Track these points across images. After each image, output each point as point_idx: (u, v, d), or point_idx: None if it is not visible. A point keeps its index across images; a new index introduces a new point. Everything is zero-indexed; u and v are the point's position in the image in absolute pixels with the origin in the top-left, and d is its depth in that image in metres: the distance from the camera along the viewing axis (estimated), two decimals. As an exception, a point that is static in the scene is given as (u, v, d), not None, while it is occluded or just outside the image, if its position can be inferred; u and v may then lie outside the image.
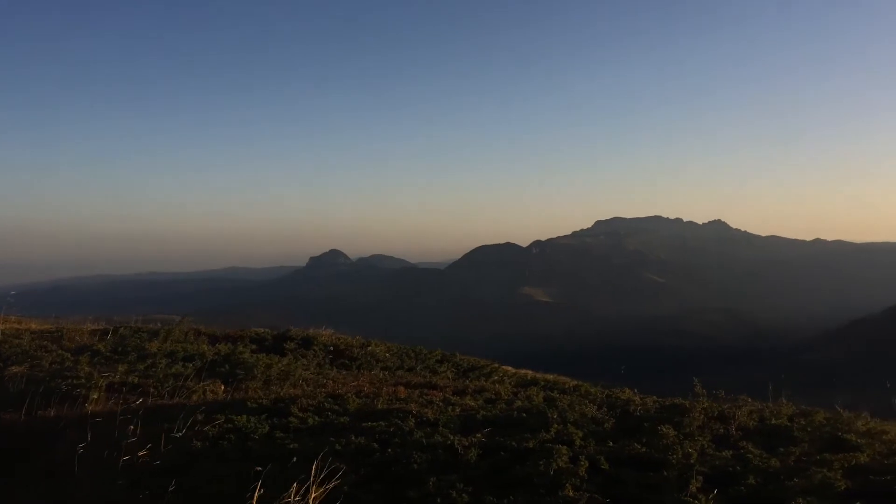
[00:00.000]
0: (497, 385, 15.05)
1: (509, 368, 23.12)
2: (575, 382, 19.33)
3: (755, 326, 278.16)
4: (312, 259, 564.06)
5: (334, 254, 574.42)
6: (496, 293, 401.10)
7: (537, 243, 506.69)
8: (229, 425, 8.89)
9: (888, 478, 7.78)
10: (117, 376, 12.47)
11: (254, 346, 18.69)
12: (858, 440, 9.24)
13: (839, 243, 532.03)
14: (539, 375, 21.31)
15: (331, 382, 13.77)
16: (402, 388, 12.58)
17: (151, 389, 12.00)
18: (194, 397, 11.65)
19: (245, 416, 9.15)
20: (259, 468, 6.67)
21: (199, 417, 9.23)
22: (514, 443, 8.32)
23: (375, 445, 8.15)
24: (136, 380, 12.52)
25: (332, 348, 19.81)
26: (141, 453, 7.49)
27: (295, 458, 7.24)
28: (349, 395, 11.12)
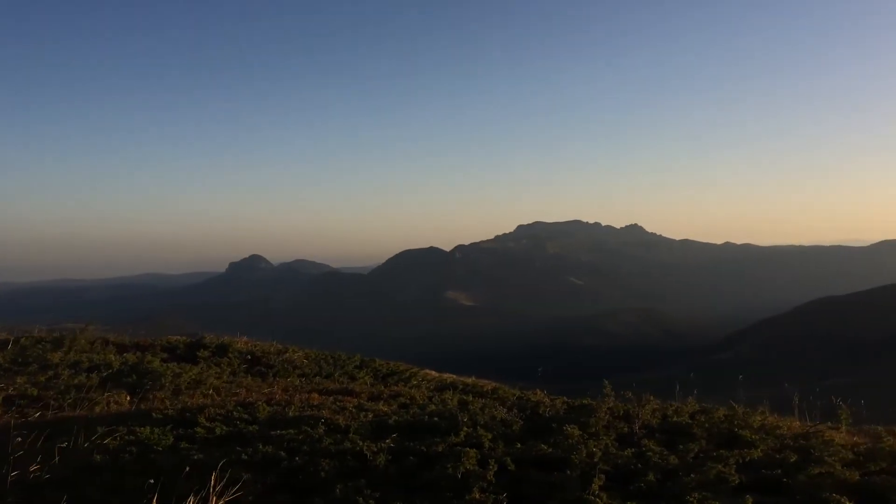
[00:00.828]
0: (413, 390, 15.07)
1: (431, 372, 23.19)
2: (493, 385, 19.55)
3: (670, 327, 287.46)
4: (232, 264, 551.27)
5: (255, 259, 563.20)
6: (420, 297, 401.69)
7: (460, 248, 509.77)
8: (131, 437, 8.62)
9: (778, 471, 8.21)
10: (15, 388, 11.94)
11: (165, 355, 18.14)
12: (753, 436, 9.70)
13: (747, 247, 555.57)
14: (459, 379, 21.44)
15: (243, 391, 13.53)
16: (315, 395, 12.46)
17: (52, 401, 11.53)
18: (97, 409, 11.26)
19: (149, 428, 8.89)
20: (151, 480, 6.48)
21: (101, 430, 8.91)
22: (423, 447, 8.38)
23: (283, 454, 8.05)
24: (35, 392, 12.00)
25: (248, 356, 19.44)
26: (33, 468, 7.18)
27: (197, 469, 7.09)
28: (260, 403, 10.94)
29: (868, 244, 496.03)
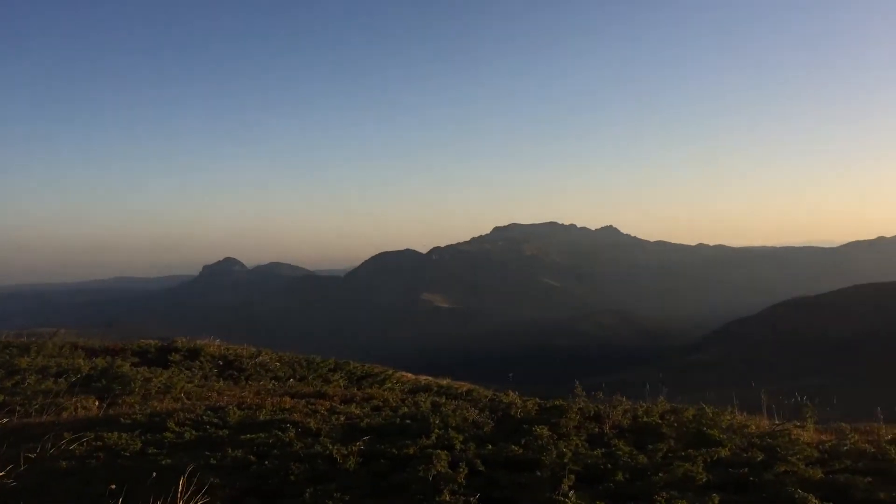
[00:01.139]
0: (387, 392, 15.07)
1: (406, 375, 23.20)
2: (468, 387, 19.62)
3: (644, 327, 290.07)
4: (206, 267, 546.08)
5: (229, 262, 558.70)
6: (396, 299, 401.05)
7: (437, 250, 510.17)
8: (99, 443, 8.53)
9: (744, 470, 8.32)
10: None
11: (136, 360, 17.99)
12: (721, 435, 9.82)
13: (720, 248, 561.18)
14: (434, 381, 21.45)
15: (215, 395, 13.46)
16: (287, 399, 12.40)
17: (18, 407, 11.40)
18: (65, 414, 11.13)
19: (116, 433, 8.81)
20: (113, 486, 6.42)
21: (68, 435, 8.81)
22: (394, 450, 8.38)
23: (253, 458, 8.02)
24: (1, 398, 11.84)
25: (220, 360, 19.31)
26: (-4, 475, 7.09)
27: (165, 475, 7.03)
28: (231, 407, 10.88)
29: (838, 245, 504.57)
